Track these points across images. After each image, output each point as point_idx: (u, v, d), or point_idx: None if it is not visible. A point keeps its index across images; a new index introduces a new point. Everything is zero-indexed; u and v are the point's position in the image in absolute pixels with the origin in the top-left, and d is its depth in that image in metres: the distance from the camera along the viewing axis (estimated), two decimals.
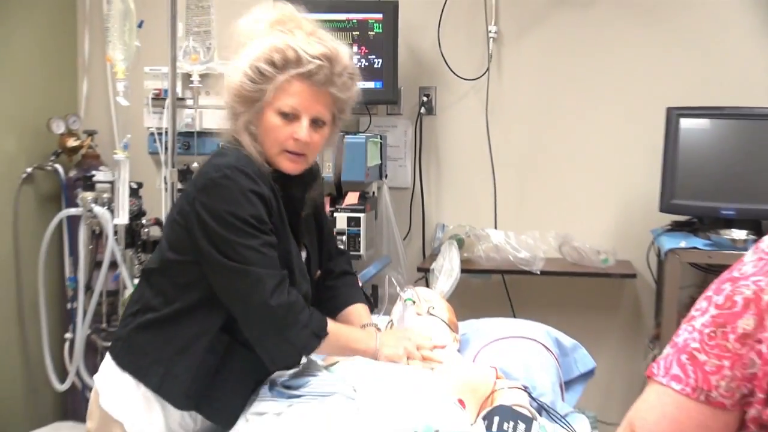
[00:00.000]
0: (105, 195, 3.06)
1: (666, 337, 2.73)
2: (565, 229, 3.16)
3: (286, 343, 1.68)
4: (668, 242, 2.81)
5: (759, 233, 2.77)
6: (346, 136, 2.99)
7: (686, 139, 2.87)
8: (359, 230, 2.93)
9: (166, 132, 2.79)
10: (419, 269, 3.21)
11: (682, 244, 2.76)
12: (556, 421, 1.77)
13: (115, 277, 3.14)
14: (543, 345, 2.05)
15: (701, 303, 1.05)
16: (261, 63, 1.68)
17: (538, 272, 3.02)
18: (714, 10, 3.12)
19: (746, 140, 2.84)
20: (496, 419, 1.60)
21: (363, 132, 3.27)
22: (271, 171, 1.74)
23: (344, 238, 2.94)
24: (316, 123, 1.72)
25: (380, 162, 3.19)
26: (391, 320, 2.05)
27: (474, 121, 3.35)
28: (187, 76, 2.86)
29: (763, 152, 2.80)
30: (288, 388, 1.69)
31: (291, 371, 1.80)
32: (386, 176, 3.27)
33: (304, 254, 1.88)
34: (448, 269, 2.91)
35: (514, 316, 3.26)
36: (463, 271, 2.98)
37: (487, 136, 3.32)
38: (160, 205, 2.96)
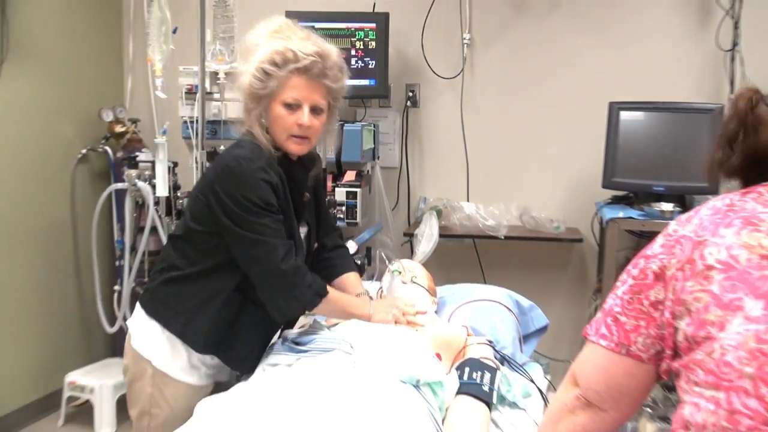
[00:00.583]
0: (146, 172, 3.17)
1: (606, 290, 2.83)
2: (525, 202, 3.31)
3: (294, 300, 1.73)
4: (609, 212, 2.91)
5: (684, 206, 2.88)
6: (345, 125, 3.07)
7: (625, 128, 2.99)
8: (356, 202, 3.05)
9: (197, 120, 2.88)
10: (405, 234, 3.33)
11: (621, 214, 2.87)
12: (515, 370, 1.86)
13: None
14: (505, 306, 2.15)
15: (622, 276, 1.09)
16: (265, 64, 1.72)
17: (503, 237, 3.15)
18: (647, 22, 3.25)
19: (674, 129, 2.95)
20: (467, 369, 1.69)
21: (359, 121, 3.38)
22: (279, 156, 1.77)
23: (344, 208, 3.03)
24: (315, 110, 1.76)
25: (373, 146, 3.28)
26: (381, 288, 2.11)
27: (451, 112, 3.48)
28: (214, 74, 2.94)
29: (687, 139, 2.92)
30: (297, 344, 1.74)
31: (299, 329, 1.84)
32: (378, 158, 3.37)
33: (306, 229, 1.90)
34: (428, 234, 3.18)
35: (483, 274, 3.41)
36: (441, 236, 3.22)
37: (461, 125, 3.47)
38: (192, 180, 3.00)
